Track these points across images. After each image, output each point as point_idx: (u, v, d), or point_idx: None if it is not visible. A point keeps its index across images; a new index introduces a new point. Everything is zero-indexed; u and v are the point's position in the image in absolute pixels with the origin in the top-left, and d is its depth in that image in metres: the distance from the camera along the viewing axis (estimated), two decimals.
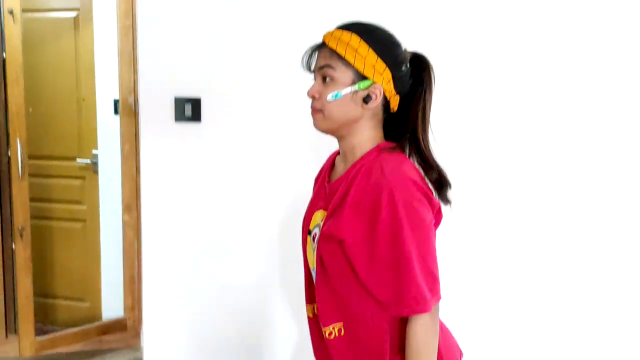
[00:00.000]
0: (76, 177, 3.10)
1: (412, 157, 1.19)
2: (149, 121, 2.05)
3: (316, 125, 1.19)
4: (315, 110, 1.18)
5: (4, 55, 2.54)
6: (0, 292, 2.80)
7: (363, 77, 1.13)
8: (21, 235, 2.61)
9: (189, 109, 2.02)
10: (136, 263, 2.97)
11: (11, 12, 2.43)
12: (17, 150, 2.55)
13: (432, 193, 1.15)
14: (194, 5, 2.02)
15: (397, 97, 1.17)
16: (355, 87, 1.13)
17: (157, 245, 2.19)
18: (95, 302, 3.13)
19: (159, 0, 2.02)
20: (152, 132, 2.06)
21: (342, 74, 1.13)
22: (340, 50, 1.12)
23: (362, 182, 1.13)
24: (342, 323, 1.16)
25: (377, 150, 1.17)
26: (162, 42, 2.03)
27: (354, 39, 1.13)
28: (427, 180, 1.17)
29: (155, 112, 2.04)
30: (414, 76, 1.18)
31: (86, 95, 2.97)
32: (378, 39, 1.15)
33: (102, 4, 2.89)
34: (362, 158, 1.17)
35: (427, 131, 1.19)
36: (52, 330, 2.99)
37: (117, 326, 2.98)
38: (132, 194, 2.92)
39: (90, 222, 3.12)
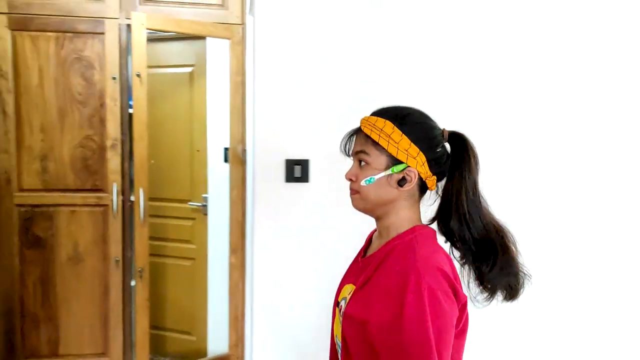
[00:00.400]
0: (188, 219, 3.34)
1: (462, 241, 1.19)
2: (262, 180, 2.20)
3: (354, 205, 1.25)
4: (353, 191, 1.25)
5: (132, 111, 2.82)
6: (119, 325, 3.06)
7: (397, 161, 1.18)
8: (140, 276, 2.85)
9: (298, 170, 2.14)
10: (240, 302, 3.14)
11: (138, 75, 2.68)
12: (140, 199, 2.79)
13: (460, 286, 1.14)
14: (303, 70, 2.16)
15: (434, 178, 1.21)
16: (389, 171, 1.18)
17: (264, 288, 2.32)
18: (201, 336, 3.33)
19: (270, 65, 2.18)
20: (265, 189, 2.21)
21: (376, 158, 1.19)
22: (374, 136, 1.18)
23: (392, 264, 1.15)
24: None
25: (412, 232, 1.20)
26: (276, 105, 2.18)
27: (388, 125, 1.18)
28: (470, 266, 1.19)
29: (268, 172, 2.19)
30: (453, 155, 1.22)
31: (200, 146, 3.20)
32: (411, 124, 1.19)
33: (215, 61, 3.12)
34: (395, 238, 1.20)
35: (475, 217, 1.17)
36: None
37: None
38: (238, 238, 3.10)
39: (199, 261, 3.34)
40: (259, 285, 2.28)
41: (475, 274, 1.18)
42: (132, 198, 3.06)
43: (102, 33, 2.86)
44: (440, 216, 1.23)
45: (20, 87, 2.84)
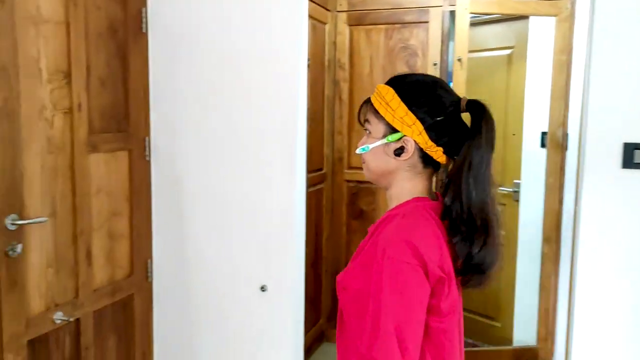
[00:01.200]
0: (498, 204, 3.30)
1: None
2: (592, 166, 2.03)
3: (365, 175, 1.23)
4: (362, 160, 1.21)
5: None
6: None
7: (394, 130, 1.13)
8: None
9: (639, 156, 1.91)
10: (552, 295, 2.98)
11: (459, 60, 2.75)
12: None
13: (435, 262, 1.04)
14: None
15: (439, 149, 1.12)
16: (384, 140, 1.14)
17: (586, 285, 2.14)
18: (507, 324, 3.27)
19: (609, 41, 1.98)
20: (595, 177, 2.03)
21: (375, 126, 1.16)
22: (376, 104, 1.15)
23: (380, 234, 1.10)
24: None
25: (407, 204, 1.14)
26: (614, 83, 1.98)
27: (389, 93, 1.14)
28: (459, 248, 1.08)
29: (599, 157, 2.00)
30: (472, 125, 1.11)
31: (515, 130, 3.12)
32: (411, 91, 1.13)
33: (537, 41, 2.99)
34: (393, 209, 1.16)
35: (471, 193, 1.07)
36: (465, 342, 3.29)
37: (528, 354, 3.05)
38: (552, 227, 2.94)
39: (507, 248, 3.27)
40: (582, 282, 2.12)
41: (460, 253, 1.09)
42: None
43: (426, 22, 3.01)
44: (443, 190, 1.15)
45: (354, 76, 3.21)
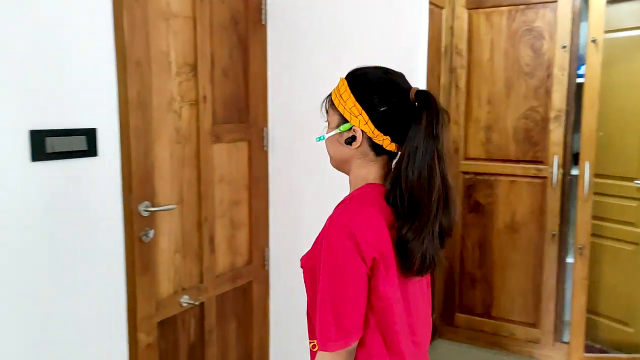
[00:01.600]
0: (633, 199, 3.01)
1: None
2: None
3: (330, 163, 1.29)
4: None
5: (582, 81, 2.68)
6: (552, 300, 3.03)
7: (345, 120, 1.19)
8: (580, 254, 2.72)
9: None
10: None
11: (594, 41, 2.52)
12: (585, 172, 2.65)
13: (367, 244, 1.08)
14: None
15: (387, 138, 1.17)
16: (337, 130, 1.20)
17: None
18: None
19: None
20: None
21: (332, 117, 1.22)
22: (333, 95, 1.22)
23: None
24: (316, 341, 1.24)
25: (359, 190, 1.20)
26: None
27: (343, 85, 1.20)
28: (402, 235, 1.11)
29: None
30: (415, 114, 1.14)
31: None
32: (358, 82, 1.19)
33: None
34: (349, 194, 1.22)
35: (411, 180, 1.11)
36: (592, 347, 3.04)
37: None
38: None
39: None
40: None
41: (399, 237, 1.11)
42: (573, 172, 2.95)
43: (554, 1, 2.79)
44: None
45: (472, 62, 3.06)
